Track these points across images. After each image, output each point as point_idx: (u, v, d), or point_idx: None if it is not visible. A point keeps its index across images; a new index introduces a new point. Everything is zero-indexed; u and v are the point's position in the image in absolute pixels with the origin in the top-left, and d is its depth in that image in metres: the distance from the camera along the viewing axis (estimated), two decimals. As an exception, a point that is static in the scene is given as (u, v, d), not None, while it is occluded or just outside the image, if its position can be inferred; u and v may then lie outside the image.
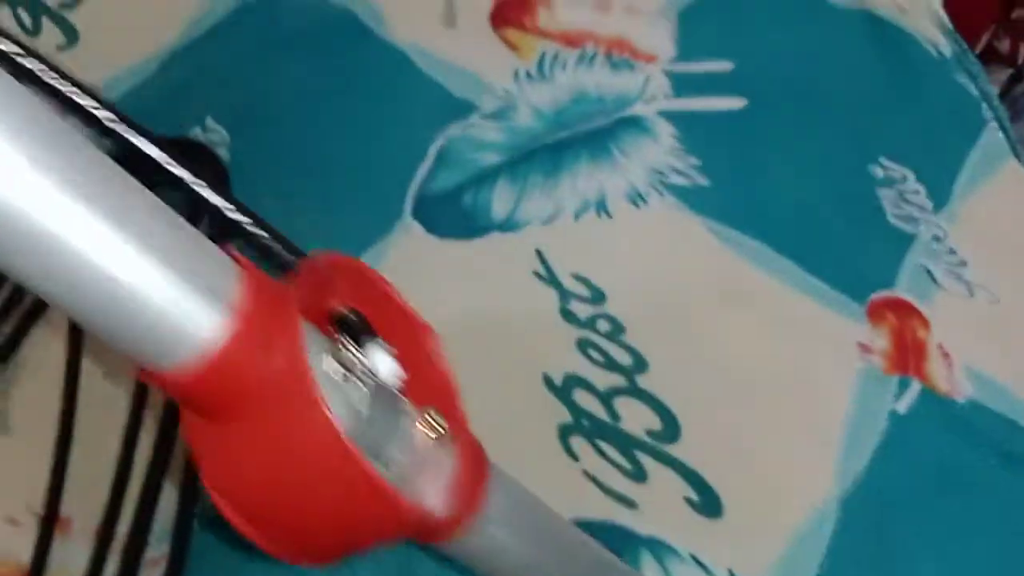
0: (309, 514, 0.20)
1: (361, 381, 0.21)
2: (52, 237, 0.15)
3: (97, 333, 0.17)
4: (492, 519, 0.24)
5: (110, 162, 0.17)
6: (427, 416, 0.23)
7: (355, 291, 0.23)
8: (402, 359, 0.22)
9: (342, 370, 0.20)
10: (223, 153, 0.48)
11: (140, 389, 0.40)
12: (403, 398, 0.22)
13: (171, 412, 0.38)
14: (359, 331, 0.21)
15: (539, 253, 0.46)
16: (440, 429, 0.23)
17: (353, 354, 0.21)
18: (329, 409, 0.19)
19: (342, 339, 0.21)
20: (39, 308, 0.43)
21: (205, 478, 0.20)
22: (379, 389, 0.21)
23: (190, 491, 0.36)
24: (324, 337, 0.21)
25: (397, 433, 0.22)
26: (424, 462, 0.22)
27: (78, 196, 0.16)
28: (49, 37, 0.53)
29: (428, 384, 0.23)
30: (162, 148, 0.48)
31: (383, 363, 0.21)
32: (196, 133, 0.49)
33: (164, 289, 0.17)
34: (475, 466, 0.24)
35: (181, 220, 0.18)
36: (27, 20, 0.54)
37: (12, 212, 0.15)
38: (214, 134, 0.49)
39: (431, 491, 0.22)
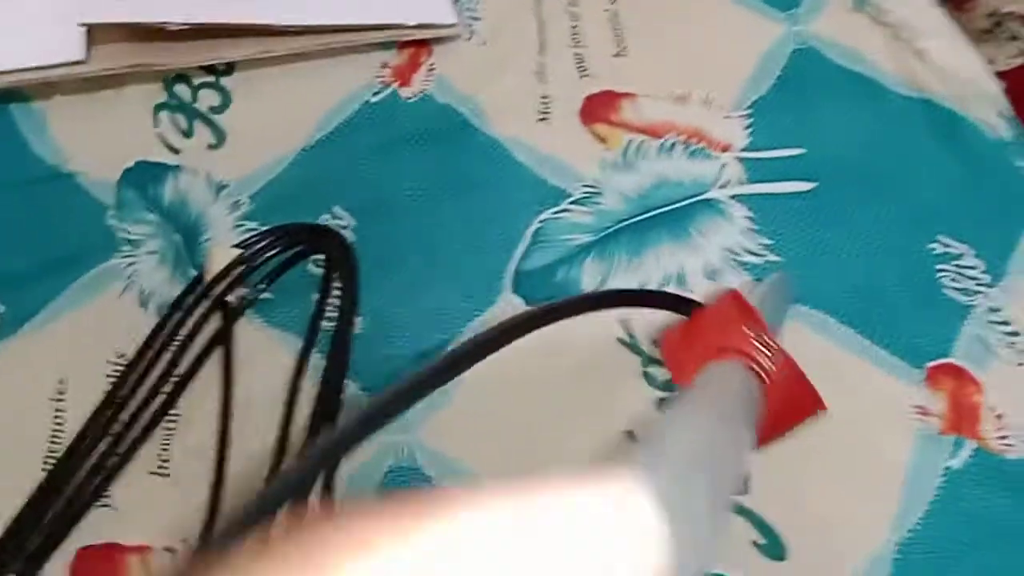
0: None
1: None
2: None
3: None
4: None
5: None
6: None
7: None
8: None
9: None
10: (349, 235, 0.56)
11: (281, 439, 0.47)
12: None
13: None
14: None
15: (623, 322, 0.52)
16: None
17: None
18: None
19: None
20: (193, 371, 0.51)
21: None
22: None
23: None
24: None
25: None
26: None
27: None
28: (201, 138, 0.62)
29: None
30: (297, 232, 0.56)
31: None
32: (326, 219, 0.57)
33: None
34: None
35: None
36: (183, 123, 0.63)
37: None
38: (340, 220, 0.57)
39: None
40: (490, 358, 0.51)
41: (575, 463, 0.47)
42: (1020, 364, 0.49)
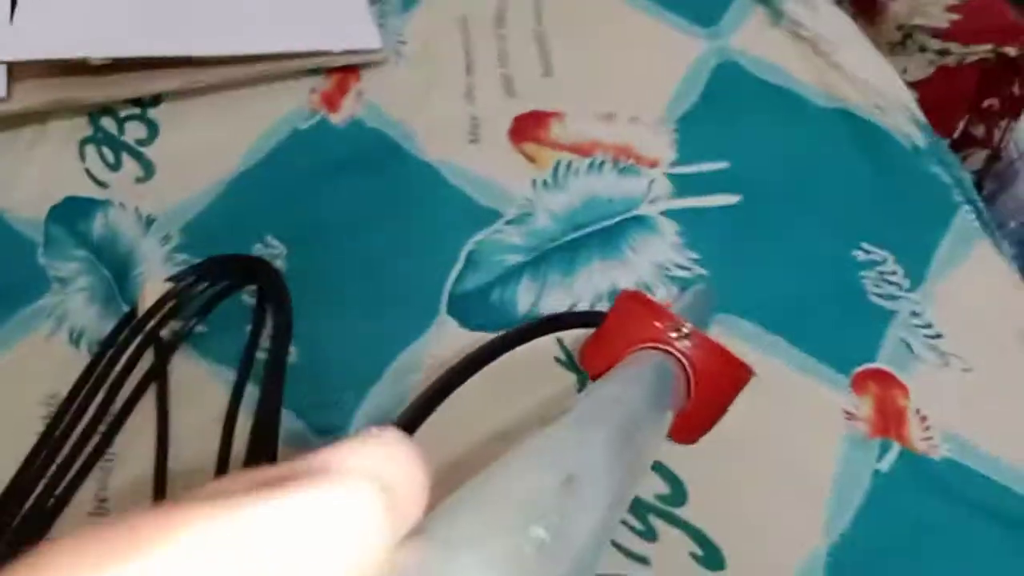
0: None
1: None
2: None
3: None
4: None
5: None
6: None
7: None
8: None
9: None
10: (280, 264, 0.56)
11: (220, 471, 0.46)
12: None
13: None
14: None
15: (559, 341, 0.53)
16: None
17: None
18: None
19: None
20: (128, 408, 0.50)
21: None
22: None
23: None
24: None
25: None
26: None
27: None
28: (129, 171, 0.61)
29: None
30: (229, 263, 0.56)
31: None
32: (258, 248, 0.57)
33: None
34: None
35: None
36: (110, 157, 0.62)
37: None
38: (273, 249, 0.57)
39: None
40: (429, 374, 0.51)
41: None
42: (943, 366, 0.51)
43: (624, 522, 0.45)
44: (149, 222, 0.58)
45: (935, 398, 0.49)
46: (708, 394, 0.33)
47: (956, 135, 0.72)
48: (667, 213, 0.58)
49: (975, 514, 0.45)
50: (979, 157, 0.75)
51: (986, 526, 0.44)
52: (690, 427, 0.34)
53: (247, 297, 0.55)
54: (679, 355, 0.33)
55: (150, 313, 0.52)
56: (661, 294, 0.54)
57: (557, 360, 0.52)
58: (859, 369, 0.51)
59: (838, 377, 0.50)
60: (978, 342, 0.52)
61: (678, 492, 0.46)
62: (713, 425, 0.35)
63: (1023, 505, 0.45)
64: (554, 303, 0.54)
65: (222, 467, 0.46)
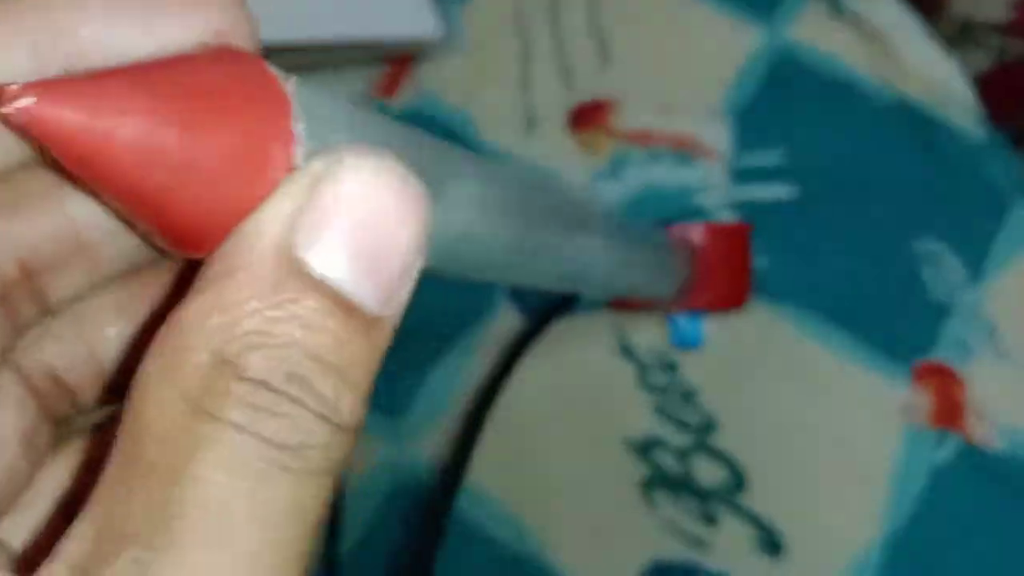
0: None
1: None
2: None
3: None
4: None
5: None
6: None
7: None
8: None
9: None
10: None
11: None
12: None
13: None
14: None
15: (618, 329, 0.53)
16: None
17: None
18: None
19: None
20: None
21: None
22: None
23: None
24: None
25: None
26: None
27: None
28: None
29: None
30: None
31: None
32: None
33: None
34: None
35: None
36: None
37: None
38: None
39: None
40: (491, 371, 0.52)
41: (582, 482, 0.48)
42: (1001, 361, 0.51)
43: (684, 507, 0.46)
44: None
45: (994, 393, 0.50)
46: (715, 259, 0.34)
47: (1016, 131, 0.72)
48: (725, 205, 0.59)
49: (1034, 507, 0.45)
50: (1035, 152, 0.74)
51: (1045, 519, 0.45)
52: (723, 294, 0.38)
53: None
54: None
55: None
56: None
57: (619, 351, 0.53)
58: (917, 362, 0.51)
59: (896, 369, 0.51)
60: (1037, 338, 0.52)
61: (737, 478, 0.47)
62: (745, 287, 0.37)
63: (1083, 500, 0.45)
64: (612, 293, 0.55)
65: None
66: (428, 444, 0.48)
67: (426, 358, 0.52)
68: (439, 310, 0.54)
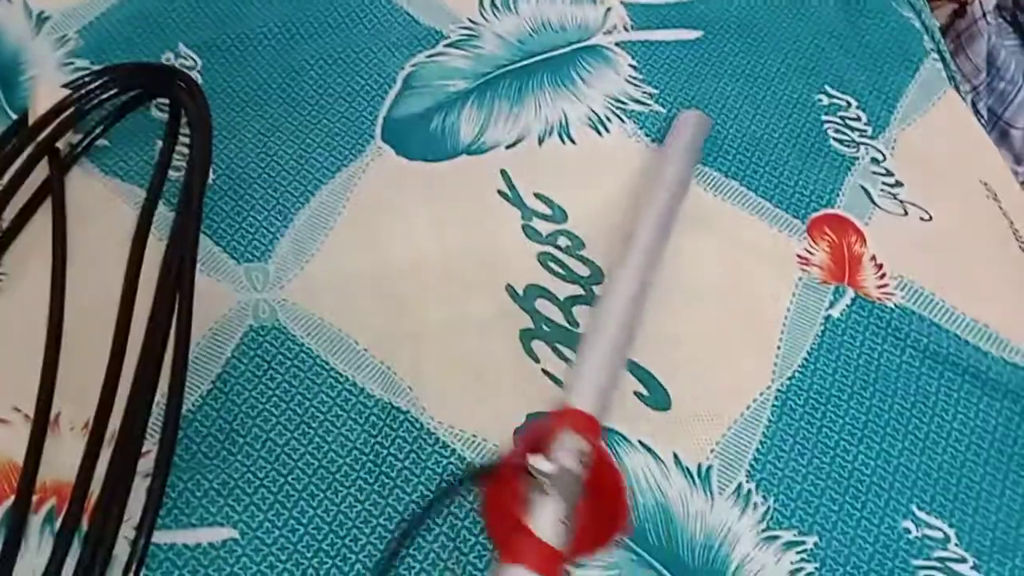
0: None
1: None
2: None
3: None
4: None
5: None
6: None
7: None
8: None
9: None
10: (195, 76, 0.50)
11: (127, 295, 0.42)
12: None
13: (159, 316, 0.40)
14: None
15: (504, 174, 0.49)
16: None
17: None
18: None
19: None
20: (19, 224, 0.45)
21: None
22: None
23: (178, 386, 0.38)
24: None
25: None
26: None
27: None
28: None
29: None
30: (137, 72, 0.49)
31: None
32: (169, 58, 0.51)
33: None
34: None
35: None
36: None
37: None
38: (186, 60, 0.51)
39: None
40: (362, 202, 0.47)
41: (456, 321, 0.44)
42: (902, 214, 0.49)
43: (568, 360, 0.42)
44: (41, 20, 0.51)
45: (892, 246, 0.47)
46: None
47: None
48: (623, 45, 0.54)
49: (925, 361, 0.44)
50: (943, 12, 0.72)
51: (935, 373, 0.43)
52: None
53: (157, 111, 0.49)
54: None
55: (44, 121, 0.46)
56: (614, 127, 0.51)
57: (501, 194, 0.48)
58: (816, 214, 0.48)
59: (794, 222, 0.48)
60: (939, 192, 0.50)
61: (625, 332, 0.44)
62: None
63: (974, 353, 0.44)
64: (500, 134, 0.50)
65: (130, 289, 0.42)
66: (293, 289, 0.43)
67: (293, 203, 0.46)
68: (309, 153, 0.48)
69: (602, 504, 0.36)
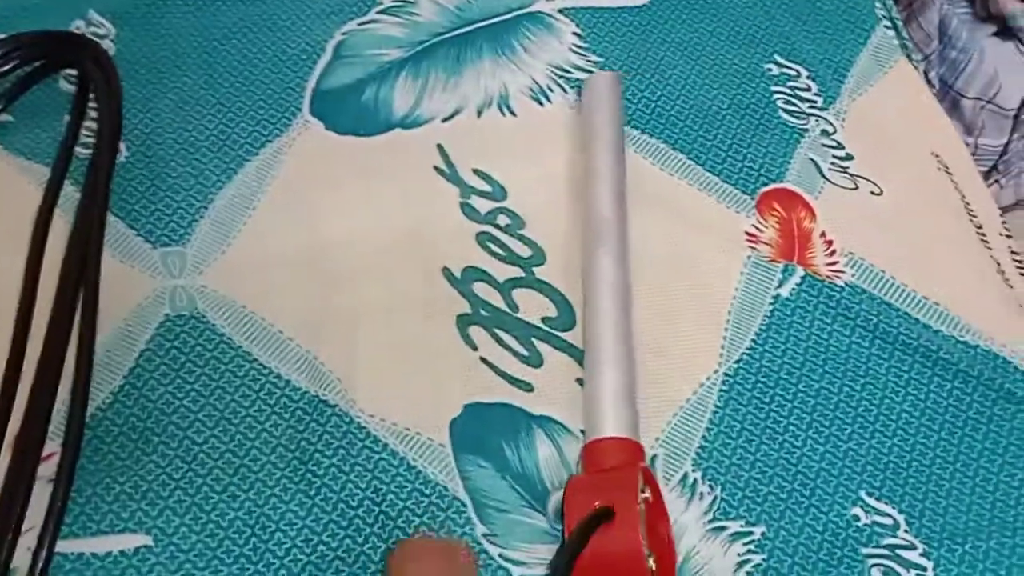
0: None
1: None
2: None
3: None
4: None
5: None
6: None
7: None
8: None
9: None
10: (107, 46, 0.47)
11: (29, 280, 0.39)
12: None
13: (62, 303, 0.37)
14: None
15: (441, 148, 0.46)
16: None
17: None
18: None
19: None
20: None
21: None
22: None
23: (83, 382, 0.35)
24: None
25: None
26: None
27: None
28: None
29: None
30: (42, 41, 0.46)
31: None
32: (79, 26, 0.47)
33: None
34: None
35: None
36: None
37: None
38: (97, 28, 0.47)
39: None
40: (288, 180, 0.44)
41: (388, 307, 0.41)
42: (852, 189, 0.47)
43: (507, 346, 0.40)
44: (-63, -15, 0.47)
45: (842, 222, 0.46)
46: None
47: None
48: (565, 11, 0.52)
49: (875, 341, 0.42)
50: (895, -22, 0.70)
51: (885, 353, 0.42)
52: None
53: (65, 83, 0.46)
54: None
55: (-60, 95, 0.42)
56: (556, 98, 0.48)
57: (438, 171, 0.46)
58: (765, 189, 0.47)
59: (743, 197, 0.46)
60: (890, 165, 0.48)
61: (565, 314, 0.42)
62: None
63: (925, 332, 0.43)
64: (436, 106, 0.47)
65: (31, 278, 0.39)
66: (213, 275, 0.41)
67: (213, 182, 0.43)
68: (231, 127, 0.45)
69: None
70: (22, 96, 0.45)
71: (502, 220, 0.44)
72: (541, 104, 0.48)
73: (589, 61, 0.50)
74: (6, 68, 0.44)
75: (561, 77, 0.49)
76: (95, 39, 0.47)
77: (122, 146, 0.44)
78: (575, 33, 0.51)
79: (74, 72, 0.46)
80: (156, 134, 0.45)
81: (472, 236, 0.43)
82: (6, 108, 0.44)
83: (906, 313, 0.43)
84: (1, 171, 0.43)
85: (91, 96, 0.45)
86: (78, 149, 0.43)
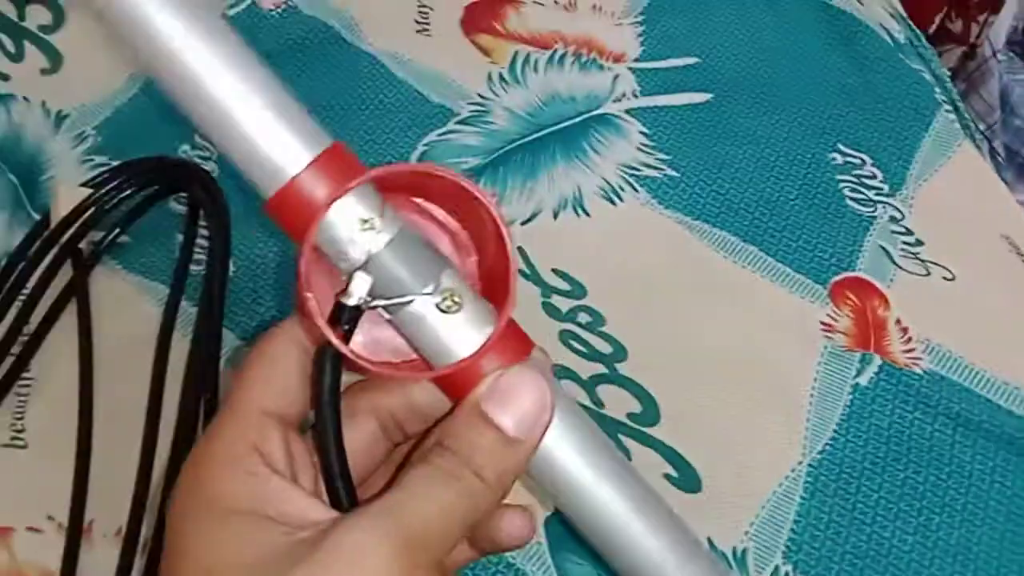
0: None
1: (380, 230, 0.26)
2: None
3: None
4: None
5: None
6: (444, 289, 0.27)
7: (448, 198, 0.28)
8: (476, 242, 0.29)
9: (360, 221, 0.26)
10: (210, 168, 0.50)
11: (155, 396, 0.42)
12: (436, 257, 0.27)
13: (186, 416, 0.40)
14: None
15: (521, 251, 0.49)
16: (452, 303, 0.27)
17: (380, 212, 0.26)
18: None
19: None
20: (45, 328, 0.45)
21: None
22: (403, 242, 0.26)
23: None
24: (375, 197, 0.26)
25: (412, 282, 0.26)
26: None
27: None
28: (33, 61, 0.55)
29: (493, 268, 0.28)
30: (155, 167, 0.50)
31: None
32: (185, 151, 0.51)
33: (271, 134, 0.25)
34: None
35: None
36: (10, 45, 0.55)
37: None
38: (202, 151, 0.51)
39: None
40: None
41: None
42: (924, 275, 0.48)
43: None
44: (60, 119, 0.52)
45: (916, 308, 0.47)
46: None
47: (933, 29, 0.69)
48: (632, 112, 0.54)
49: (958, 429, 0.43)
50: (953, 55, 0.72)
51: (969, 441, 0.43)
52: None
53: (176, 205, 0.49)
54: None
55: (66, 222, 0.46)
56: (628, 196, 0.51)
57: (521, 273, 0.48)
58: (837, 278, 0.48)
59: (816, 287, 0.48)
60: (960, 249, 0.49)
61: (650, 410, 0.43)
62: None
63: (1008, 419, 0.43)
64: (515, 210, 0.50)
65: (157, 390, 0.42)
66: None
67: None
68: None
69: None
70: (138, 219, 0.49)
71: (582, 318, 0.46)
72: (613, 204, 0.51)
73: (657, 159, 0.52)
74: (127, 192, 0.48)
75: (631, 176, 0.52)
76: (200, 161, 0.51)
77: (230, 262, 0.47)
78: (642, 132, 0.54)
79: (184, 194, 0.49)
80: (255, 248, 0.48)
81: (555, 335, 0.46)
82: (124, 231, 0.48)
83: (987, 399, 0.44)
84: (123, 290, 0.46)
85: (201, 216, 0.48)
86: (192, 267, 0.47)
